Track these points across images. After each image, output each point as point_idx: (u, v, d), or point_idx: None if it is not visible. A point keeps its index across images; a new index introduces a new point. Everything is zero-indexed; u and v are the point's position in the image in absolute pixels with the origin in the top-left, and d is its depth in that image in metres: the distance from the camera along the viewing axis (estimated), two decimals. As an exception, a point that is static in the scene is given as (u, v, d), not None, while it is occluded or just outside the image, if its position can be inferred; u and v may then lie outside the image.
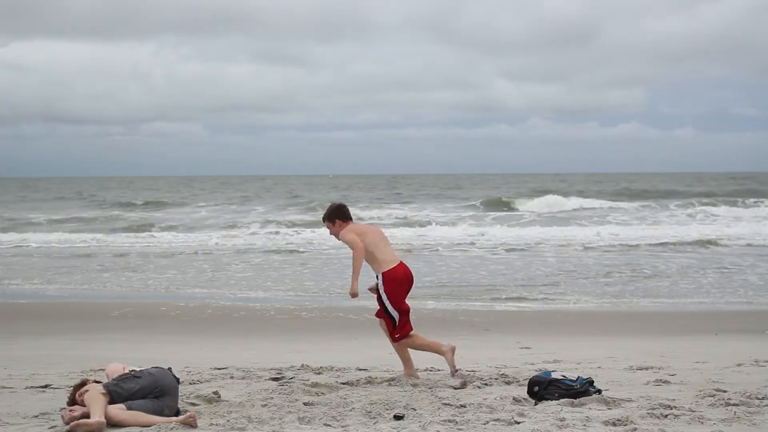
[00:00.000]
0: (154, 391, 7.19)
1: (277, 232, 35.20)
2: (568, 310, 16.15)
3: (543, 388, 7.66)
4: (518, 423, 6.82)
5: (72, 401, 7.23)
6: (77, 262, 25.52)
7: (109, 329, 13.98)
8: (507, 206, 51.21)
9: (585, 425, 6.70)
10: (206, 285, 19.95)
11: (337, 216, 9.13)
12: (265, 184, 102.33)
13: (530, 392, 7.74)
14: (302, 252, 27.16)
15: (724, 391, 7.95)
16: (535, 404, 7.52)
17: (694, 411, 7.17)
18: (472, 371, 9.34)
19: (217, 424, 6.90)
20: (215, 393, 7.88)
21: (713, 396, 7.73)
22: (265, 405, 7.55)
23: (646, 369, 9.54)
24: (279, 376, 9.13)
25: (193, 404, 7.62)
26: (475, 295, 18.02)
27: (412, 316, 9.07)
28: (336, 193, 73.27)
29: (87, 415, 6.87)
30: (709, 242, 29.09)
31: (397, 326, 8.95)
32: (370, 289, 9.14)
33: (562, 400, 7.46)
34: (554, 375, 7.78)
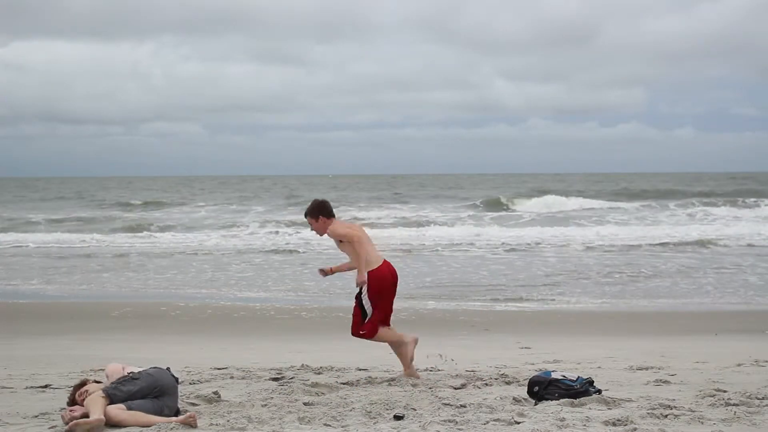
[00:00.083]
0: (153, 391, 7.19)
1: (276, 232, 35.23)
2: (568, 310, 16.16)
3: (543, 388, 7.66)
4: (518, 423, 6.82)
5: (72, 401, 7.24)
6: (77, 262, 25.52)
7: (109, 329, 13.98)
8: (507, 206, 51.22)
9: (585, 425, 6.70)
10: (206, 285, 19.95)
11: (321, 212, 9.13)
12: (264, 184, 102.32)
13: (530, 392, 7.74)
14: (302, 252, 27.16)
15: (724, 391, 7.95)
16: (535, 404, 7.52)
17: (694, 411, 7.17)
18: (472, 371, 9.35)
19: (217, 424, 6.90)
20: (215, 393, 7.88)
21: (713, 396, 7.73)
22: (265, 405, 7.55)
23: (646, 369, 9.54)
24: (279, 376, 9.13)
25: (193, 404, 7.62)
26: (475, 295, 18.02)
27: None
28: (336, 193, 73.25)
29: (87, 416, 6.88)
30: (709, 242, 29.10)
31: (367, 321, 8.97)
32: (322, 270, 9.30)
33: (562, 400, 7.46)
34: (554, 375, 7.78)
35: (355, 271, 9.02)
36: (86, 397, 7.08)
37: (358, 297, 9.04)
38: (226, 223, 40.58)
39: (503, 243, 29.58)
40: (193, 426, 6.81)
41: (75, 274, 22.48)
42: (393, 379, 8.82)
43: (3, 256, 27.64)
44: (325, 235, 9.20)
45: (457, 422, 6.86)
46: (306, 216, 9.27)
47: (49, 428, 6.95)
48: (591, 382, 7.84)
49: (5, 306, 16.74)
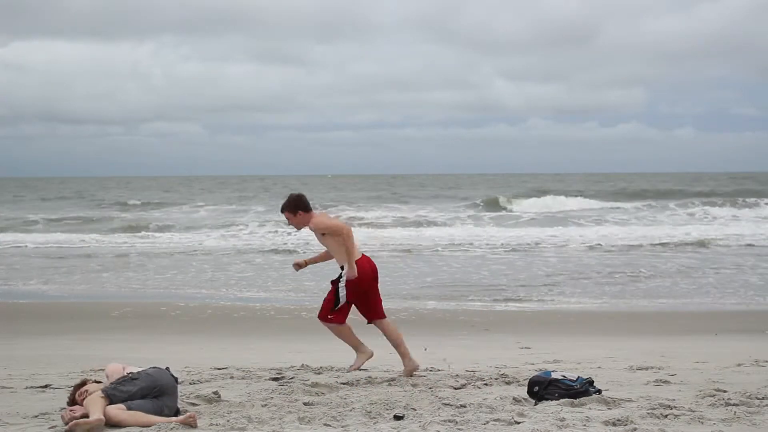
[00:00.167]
0: (152, 391, 7.19)
1: (276, 232, 35.23)
2: (568, 310, 16.15)
3: (543, 388, 7.66)
4: (518, 423, 6.82)
5: (72, 401, 7.23)
6: (76, 262, 25.52)
7: (109, 329, 13.98)
8: (506, 206, 51.22)
9: (585, 425, 6.70)
10: (206, 285, 19.95)
11: (299, 207, 9.12)
12: (264, 184, 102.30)
13: (530, 392, 7.74)
14: (302, 252, 27.14)
15: (724, 391, 7.95)
16: (535, 404, 7.52)
17: (694, 411, 7.17)
18: (472, 371, 9.35)
19: (217, 424, 6.89)
20: (215, 393, 7.88)
21: (713, 396, 7.73)
22: (265, 405, 7.55)
23: (646, 369, 9.54)
24: (279, 376, 9.13)
25: (193, 404, 7.62)
26: (475, 295, 18.02)
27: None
28: (335, 192, 73.27)
29: (87, 416, 6.88)
30: (709, 242, 29.10)
31: (337, 309, 9.11)
32: (297, 264, 9.39)
33: (562, 400, 7.46)
34: (554, 375, 7.77)
35: (332, 261, 9.19)
36: (86, 397, 7.08)
37: (335, 283, 9.12)
38: (226, 223, 40.58)
39: (503, 243, 29.59)
40: (193, 426, 6.81)
41: (75, 274, 22.47)
42: (393, 379, 8.82)
43: (3, 256, 27.64)
44: (305, 230, 9.21)
45: (457, 422, 6.86)
46: (283, 211, 9.23)
47: (49, 428, 6.94)
48: (591, 382, 7.83)
49: (5, 306, 16.74)
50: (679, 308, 16.34)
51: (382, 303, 9.34)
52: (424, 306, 16.50)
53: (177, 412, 7.23)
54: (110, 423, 6.88)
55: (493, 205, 51.98)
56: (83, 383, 7.31)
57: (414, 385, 8.49)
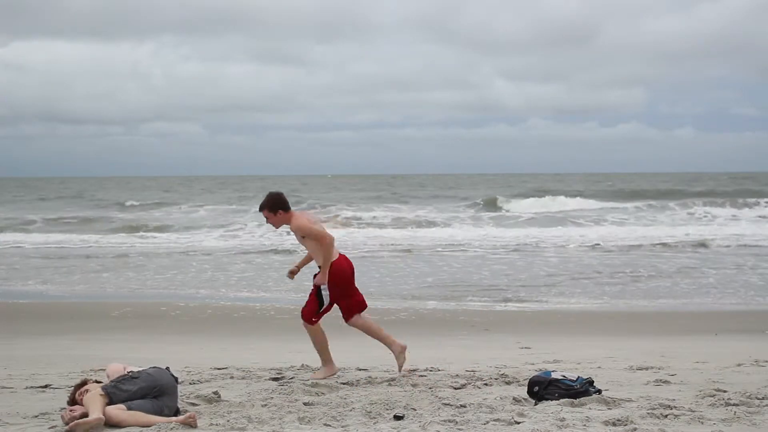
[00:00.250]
0: (152, 391, 7.19)
1: (275, 232, 35.17)
2: (568, 310, 16.16)
3: (543, 388, 7.66)
4: (518, 423, 6.82)
5: (72, 401, 7.23)
6: (76, 262, 25.53)
7: (109, 329, 13.98)
8: (506, 206, 51.22)
9: (585, 425, 6.70)
10: (206, 285, 19.95)
11: (280, 206, 9.13)
12: (264, 184, 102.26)
13: (530, 392, 7.74)
14: (301, 252, 27.08)
15: (724, 391, 7.95)
16: (535, 404, 7.52)
17: (694, 411, 7.17)
18: (472, 371, 9.35)
19: (217, 424, 6.90)
20: (215, 393, 7.88)
21: (713, 396, 7.73)
22: (265, 405, 7.55)
23: (646, 369, 9.54)
24: (279, 376, 9.14)
25: (193, 404, 7.62)
26: (475, 295, 18.03)
27: (336, 312, 9.29)
28: (335, 192, 73.26)
29: (86, 415, 6.88)
30: (709, 242, 29.11)
31: (322, 311, 9.13)
32: (291, 273, 9.49)
33: (562, 400, 7.46)
34: (554, 375, 7.77)
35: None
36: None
37: (316, 287, 9.14)
38: (226, 223, 40.58)
39: (503, 243, 29.60)
40: (193, 426, 6.81)
41: (74, 274, 22.48)
42: (393, 379, 8.82)
43: (2, 256, 27.64)
44: (283, 227, 9.24)
45: (457, 422, 6.86)
46: (261, 210, 9.21)
47: (49, 428, 6.95)
48: (591, 382, 7.84)
49: (5, 306, 16.74)
50: (679, 308, 16.34)
51: (361, 295, 9.33)
52: (424, 306, 16.50)
53: (177, 412, 7.24)
54: (110, 423, 6.88)
55: (493, 205, 51.99)
56: (84, 383, 7.31)
57: (414, 385, 8.49)
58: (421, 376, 9.07)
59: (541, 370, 8.82)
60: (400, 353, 9.19)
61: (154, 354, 11.04)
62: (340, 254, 9.16)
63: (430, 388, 8.34)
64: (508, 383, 8.65)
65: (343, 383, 8.65)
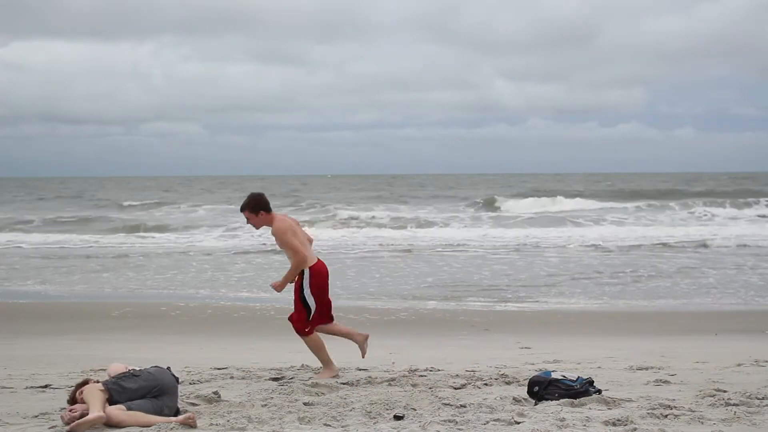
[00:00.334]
0: (153, 390, 7.19)
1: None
2: (568, 310, 16.15)
3: (543, 388, 7.66)
4: (518, 423, 6.82)
5: (72, 400, 7.23)
6: (76, 262, 25.52)
7: (109, 329, 13.98)
8: (506, 206, 51.21)
9: (585, 425, 6.70)
10: (206, 285, 19.94)
11: (262, 207, 9.13)
12: (264, 183, 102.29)
13: (530, 392, 7.74)
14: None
15: (724, 391, 7.95)
16: (535, 404, 7.52)
17: (694, 411, 7.17)
18: (472, 371, 9.35)
19: (217, 424, 6.89)
20: (215, 393, 7.88)
21: (713, 396, 7.73)
22: (265, 405, 7.55)
23: (646, 369, 9.54)
24: (279, 376, 9.14)
25: (193, 404, 7.62)
26: (475, 295, 18.02)
27: (336, 313, 9.48)
28: (335, 193, 73.25)
29: (86, 414, 6.87)
30: (709, 242, 29.11)
31: (311, 318, 9.20)
32: (275, 285, 9.52)
33: (562, 400, 7.46)
34: (554, 375, 7.77)
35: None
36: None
37: (299, 291, 9.17)
38: (225, 223, 40.57)
39: (503, 243, 29.60)
40: (193, 426, 6.81)
41: (75, 274, 22.47)
42: (393, 379, 8.82)
43: (2, 256, 27.64)
44: (263, 228, 9.26)
45: (457, 422, 6.86)
46: (243, 210, 9.20)
47: (49, 428, 6.94)
48: (591, 382, 7.83)
49: (5, 306, 16.74)
50: (679, 308, 16.34)
51: (331, 304, 9.48)
52: (424, 306, 16.50)
53: (177, 412, 7.24)
54: (110, 423, 6.87)
55: (492, 205, 52.00)
56: (85, 382, 7.31)
57: (414, 385, 8.49)
58: (421, 376, 9.07)
59: (541, 370, 8.82)
60: (361, 340, 9.42)
61: (154, 354, 11.04)
62: (318, 260, 9.26)
63: (430, 388, 8.34)
64: (508, 383, 8.65)
65: (343, 383, 8.66)
